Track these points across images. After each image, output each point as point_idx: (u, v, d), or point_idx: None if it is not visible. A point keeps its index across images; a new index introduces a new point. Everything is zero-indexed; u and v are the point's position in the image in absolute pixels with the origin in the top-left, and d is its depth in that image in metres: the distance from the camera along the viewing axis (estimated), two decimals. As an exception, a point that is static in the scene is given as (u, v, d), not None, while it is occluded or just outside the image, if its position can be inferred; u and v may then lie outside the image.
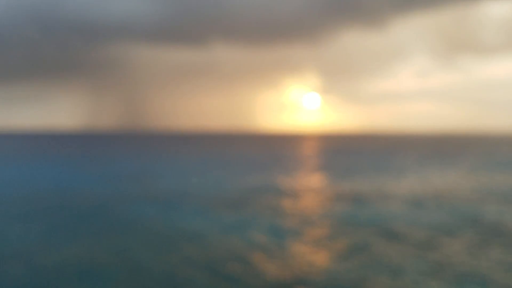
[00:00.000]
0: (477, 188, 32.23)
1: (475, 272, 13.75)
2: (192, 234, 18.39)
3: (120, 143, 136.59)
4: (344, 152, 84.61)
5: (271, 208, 24.28)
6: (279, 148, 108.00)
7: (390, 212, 22.91)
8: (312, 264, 14.64)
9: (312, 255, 15.59)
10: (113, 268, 14.16)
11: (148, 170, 46.86)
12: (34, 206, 24.46)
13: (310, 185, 34.28)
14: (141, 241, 17.30)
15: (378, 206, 24.57)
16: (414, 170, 45.72)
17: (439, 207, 24.44)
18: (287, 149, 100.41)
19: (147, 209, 23.99)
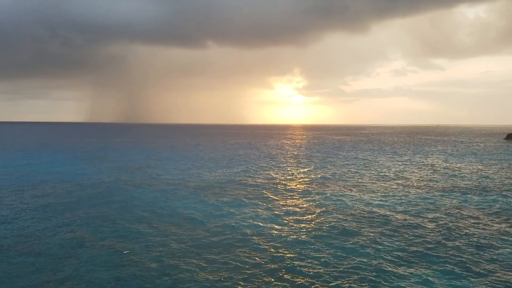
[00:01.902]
0: (448, 174, 34.63)
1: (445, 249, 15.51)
2: (185, 217, 19.84)
3: (120, 134, 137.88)
4: (326, 143, 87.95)
5: (255, 194, 25.95)
6: (265, 139, 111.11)
7: (369, 197, 24.79)
8: (298, 245, 16.09)
9: (296, 236, 17.06)
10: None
11: (148, 159, 48.53)
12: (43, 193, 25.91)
13: (295, 172, 36.13)
14: (143, 224, 18.68)
15: (359, 191, 26.41)
16: (390, 159, 48.12)
17: (409, 192, 26.40)
18: (273, 140, 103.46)
19: (148, 195, 25.44)
